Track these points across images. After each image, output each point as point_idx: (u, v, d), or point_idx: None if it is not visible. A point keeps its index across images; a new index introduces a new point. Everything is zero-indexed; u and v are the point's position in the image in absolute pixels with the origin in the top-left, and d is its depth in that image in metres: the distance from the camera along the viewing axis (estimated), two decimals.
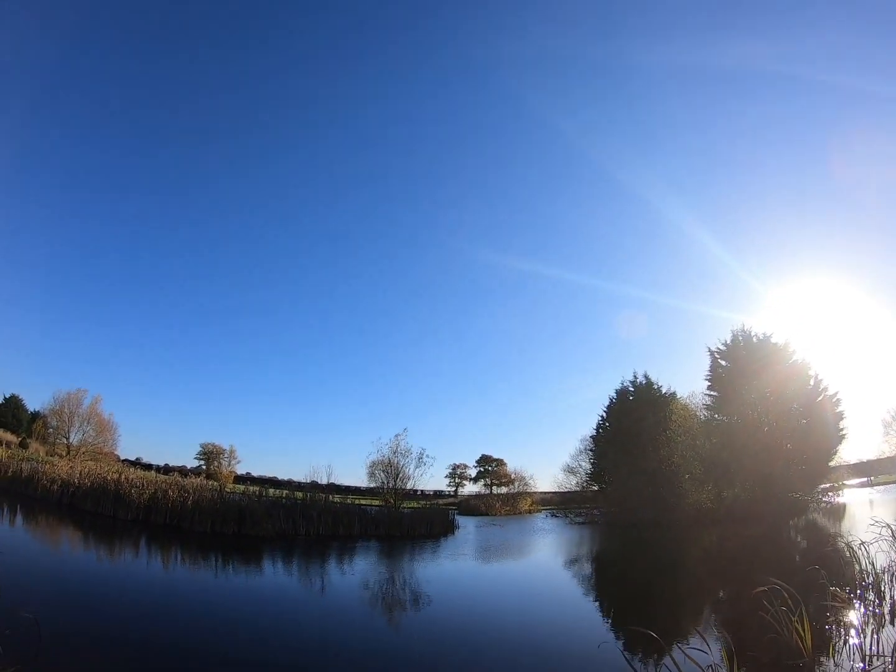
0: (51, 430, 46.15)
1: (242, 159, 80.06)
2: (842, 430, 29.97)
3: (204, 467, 57.39)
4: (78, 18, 63.54)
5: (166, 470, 42.20)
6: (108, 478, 20.46)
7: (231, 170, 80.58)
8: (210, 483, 26.75)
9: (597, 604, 11.26)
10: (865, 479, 42.94)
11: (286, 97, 77.20)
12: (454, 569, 15.19)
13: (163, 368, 77.44)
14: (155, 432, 78.00)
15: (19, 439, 45.80)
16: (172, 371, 76.77)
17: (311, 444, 70.58)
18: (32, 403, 52.60)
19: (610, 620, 9.56)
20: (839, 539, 12.45)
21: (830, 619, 6.98)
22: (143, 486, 19.25)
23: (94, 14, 64.42)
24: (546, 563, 17.96)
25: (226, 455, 60.31)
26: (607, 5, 66.62)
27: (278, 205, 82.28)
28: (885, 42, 53.98)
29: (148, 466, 47.61)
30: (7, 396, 52.52)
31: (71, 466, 23.59)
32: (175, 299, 79.88)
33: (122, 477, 20.75)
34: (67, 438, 45.14)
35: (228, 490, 24.19)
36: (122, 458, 48.15)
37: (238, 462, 61.25)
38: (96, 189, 77.06)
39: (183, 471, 42.45)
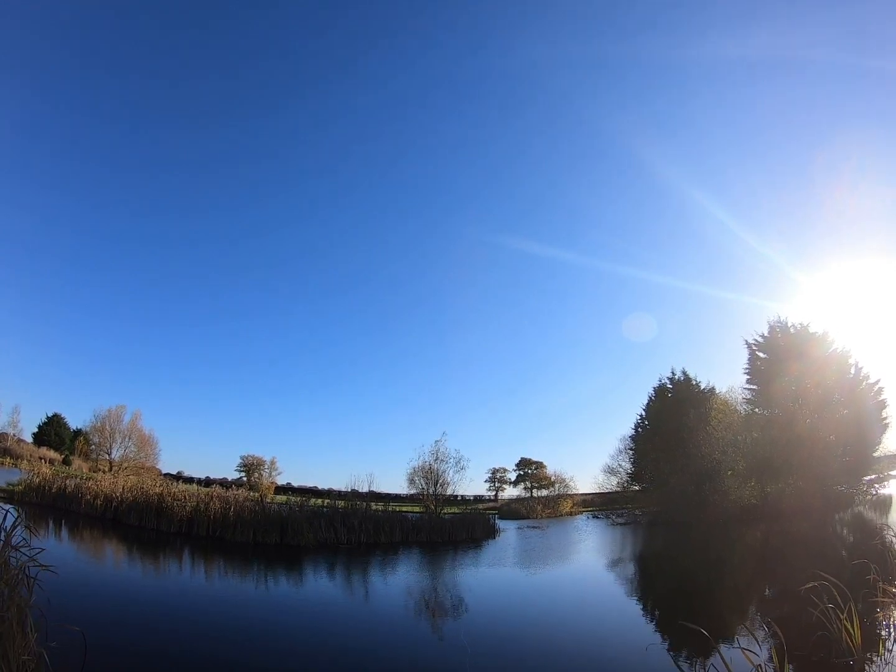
0: (93, 446, 46.89)
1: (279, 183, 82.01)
2: (885, 418, 29.12)
3: (245, 479, 58.13)
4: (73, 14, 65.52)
5: (207, 483, 42.73)
6: (151, 492, 20.58)
7: (275, 192, 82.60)
8: (251, 494, 27.25)
9: (642, 605, 11.24)
10: None
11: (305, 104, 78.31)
12: (497, 575, 15.16)
13: (202, 383, 79.31)
14: (195, 446, 79.45)
15: (63, 457, 47.03)
16: (211, 385, 78.77)
17: (351, 454, 71.02)
18: (74, 421, 53.72)
19: (655, 621, 9.59)
20: (887, 532, 12.16)
21: (880, 616, 6.93)
22: (185, 498, 19.45)
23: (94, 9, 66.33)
24: (589, 565, 17.82)
25: (266, 466, 60.99)
26: (631, 6, 66.48)
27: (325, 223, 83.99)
28: None
29: (189, 480, 48.46)
30: (50, 415, 54.07)
31: (114, 482, 23.54)
32: (212, 316, 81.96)
33: (165, 490, 20.93)
34: (109, 454, 45.73)
35: (269, 501, 24.31)
36: (164, 472, 48.93)
37: (279, 473, 61.71)
38: (131, 211, 79.75)
39: (224, 483, 43.09)
